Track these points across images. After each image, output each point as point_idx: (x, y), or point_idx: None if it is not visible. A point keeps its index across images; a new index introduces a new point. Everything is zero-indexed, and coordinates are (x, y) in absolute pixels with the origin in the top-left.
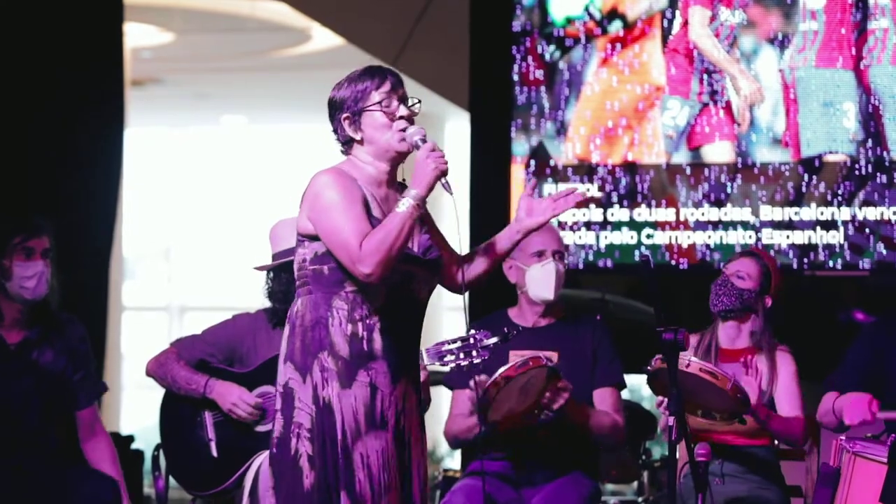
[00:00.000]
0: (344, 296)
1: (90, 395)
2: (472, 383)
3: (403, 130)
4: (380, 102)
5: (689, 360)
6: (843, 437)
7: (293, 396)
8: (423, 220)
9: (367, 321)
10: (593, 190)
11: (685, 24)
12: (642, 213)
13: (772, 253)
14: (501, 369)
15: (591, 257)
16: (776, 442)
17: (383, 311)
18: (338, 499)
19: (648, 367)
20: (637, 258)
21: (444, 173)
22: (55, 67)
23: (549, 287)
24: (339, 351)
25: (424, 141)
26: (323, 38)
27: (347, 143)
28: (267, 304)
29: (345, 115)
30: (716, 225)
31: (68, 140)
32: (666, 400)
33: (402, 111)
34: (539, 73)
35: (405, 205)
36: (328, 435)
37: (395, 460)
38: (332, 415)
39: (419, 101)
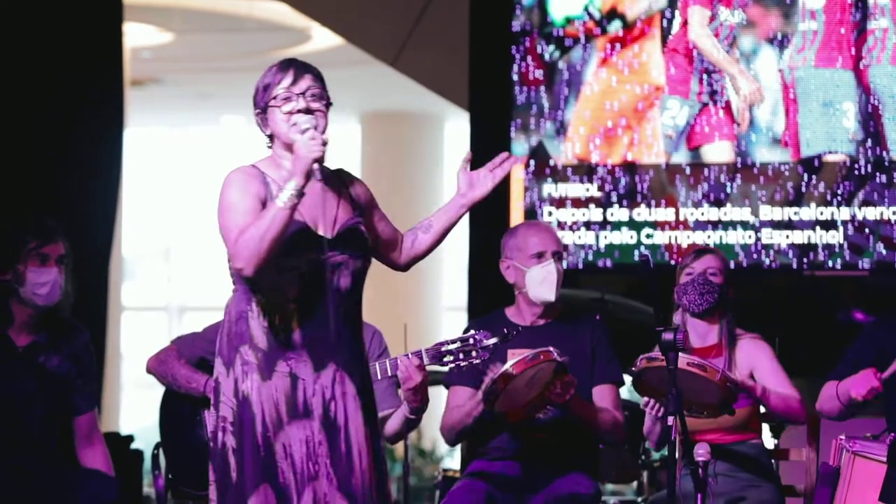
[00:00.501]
0: (262, 289)
1: (89, 402)
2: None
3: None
4: (277, 97)
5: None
6: (843, 437)
7: (219, 391)
8: (362, 207)
9: (284, 312)
10: (592, 190)
11: (685, 23)
12: (642, 213)
13: (771, 253)
14: (511, 362)
15: (590, 257)
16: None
17: (299, 300)
18: (261, 491)
19: (633, 368)
20: (636, 258)
21: (317, 160)
22: (55, 67)
23: (549, 288)
24: (258, 343)
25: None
26: (322, 37)
27: (270, 138)
28: None
29: (256, 112)
30: (715, 225)
31: (68, 140)
32: (651, 400)
33: (299, 104)
34: (539, 73)
35: (283, 196)
36: (248, 428)
37: (325, 448)
38: (251, 408)
39: (319, 97)
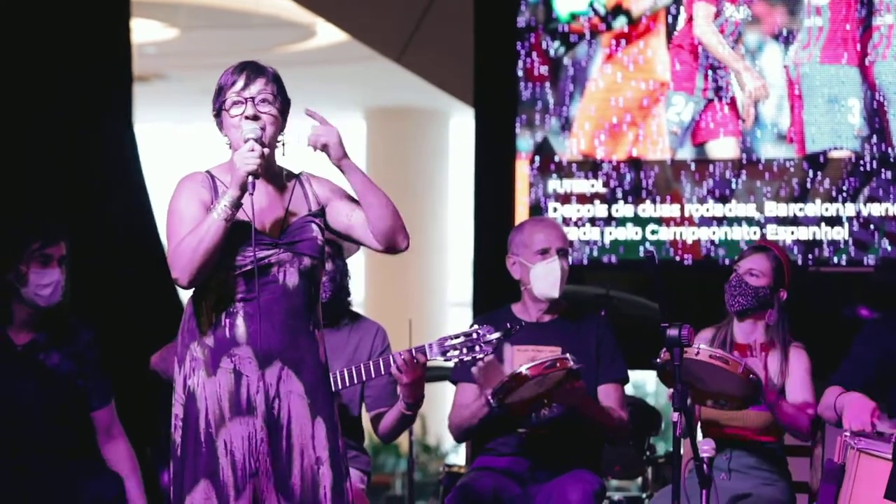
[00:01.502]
0: (211, 287)
1: (102, 397)
2: (474, 370)
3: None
4: (227, 101)
5: (699, 348)
6: (848, 434)
7: (174, 388)
8: (322, 205)
9: (230, 309)
10: (597, 186)
11: (690, 20)
12: (647, 210)
13: None
14: (528, 365)
15: (595, 253)
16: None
17: (246, 298)
18: (201, 486)
19: (658, 359)
20: (642, 254)
21: (251, 173)
22: (62, 65)
23: (553, 284)
24: (205, 340)
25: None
26: (327, 33)
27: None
28: None
29: (213, 114)
30: (720, 221)
31: (79, 138)
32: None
33: (247, 110)
34: (543, 69)
35: (218, 208)
36: (192, 424)
37: (266, 446)
38: (196, 403)
39: (271, 101)
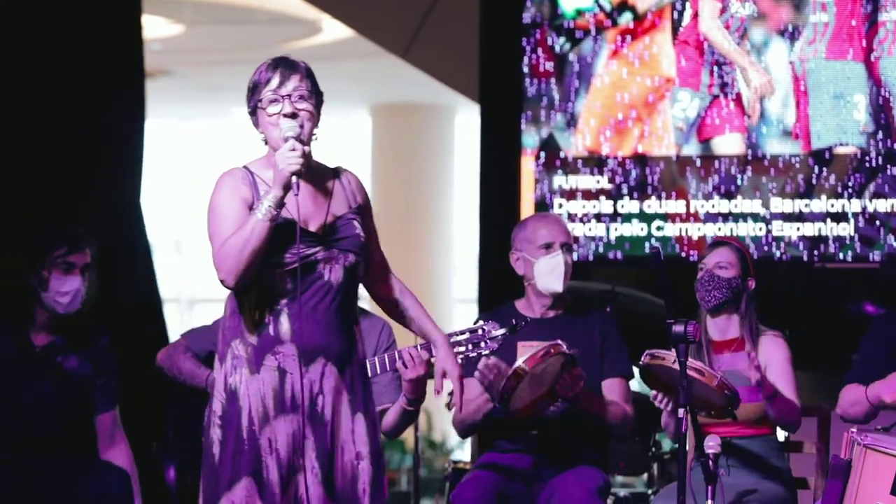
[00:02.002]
0: (253, 284)
1: (109, 401)
2: (480, 365)
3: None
4: (264, 99)
5: (674, 359)
6: (855, 430)
7: (214, 385)
8: (360, 204)
9: (275, 306)
10: (603, 182)
11: (695, 15)
12: (652, 206)
13: (782, 245)
14: (523, 358)
15: (601, 249)
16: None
17: (290, 295)
18: (242, 484)
19: (640, 363)
20: (647, 250)
21: (294, 173)
22: (69, 63)
23: (557, 279)
24: (248, 338)
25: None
26: (333, 29)
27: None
28: None
29: (248, 111)
30: (726, 217)
31: (89, 134)
32: (659, 394)
33: (284, 108)
34: (549, 65)
35: (261, 209)
36: (233, 422)
37: (312, 442)
38: (237, 402)
39: (306, 97)
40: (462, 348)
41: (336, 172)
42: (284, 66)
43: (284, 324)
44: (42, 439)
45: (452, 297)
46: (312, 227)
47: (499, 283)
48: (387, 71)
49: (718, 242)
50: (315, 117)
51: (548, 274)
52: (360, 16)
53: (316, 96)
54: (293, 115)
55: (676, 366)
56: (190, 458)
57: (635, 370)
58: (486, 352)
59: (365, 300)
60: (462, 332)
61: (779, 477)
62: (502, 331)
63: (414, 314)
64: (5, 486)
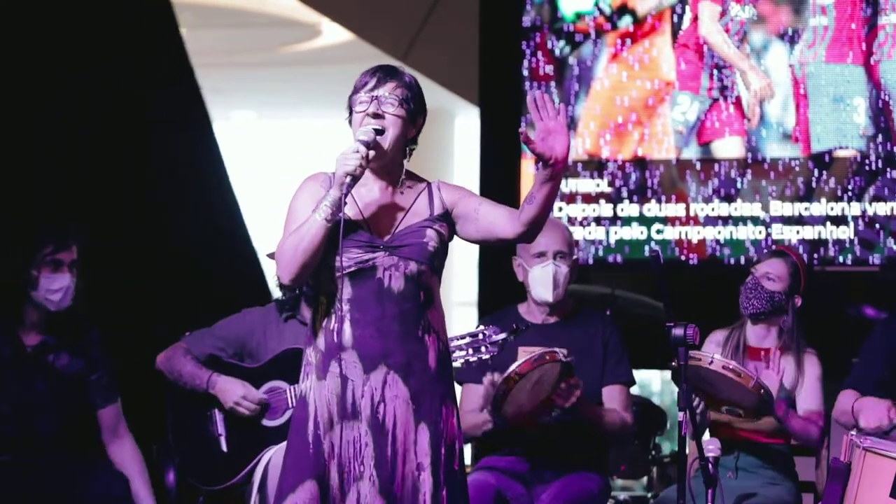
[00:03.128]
0: (323, 291)
1: (108, 395)
2: (485, 380)
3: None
4: (356, 100)
5: (713, 358)
6: (854, 433)
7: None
8: (448, 212)
9: (339, 313)
10: (603, 185)
11: (695, 19)
12: (652, 209)
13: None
14: (517, 363)
15: (600, 253)
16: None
17: (352, 301)
18: (305, 487)
19: (672, 363)
20: (647, 254)
21: (349, 174)
22: (113, 64)
23: (546, 288)
24: (318, 345)
25: (364, 143)
26: (333, 33)
27: None
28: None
29: (346, 118)
30: (726, 220)
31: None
32: (695, 397)
33: (370, 108)
34: (549, 69)
35: (319, 209)
36: (300, 426)
37: (372, 450)
38: (306, 407)
39: (398, 103)
40: (462, 353)
41: (430, 185)
42: (384, 71)
43: (347, 331)
44: (40, 439)
45: (452, 300)
46: (381, 234)
47: (498, 287)
48: None
49: (776, 252)
50: (405, 126)
51: (539, 283)
52: (360, 19)
53: (413, 107)
54: (376, 116)
55: (713, 367)
56: (190, 460)
57: (644, 375)
58: (487, 356)
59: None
60: (463, 337)
61: (786, 482)
62: (503, 335)
63: (529, 195)
64: (5, 487)
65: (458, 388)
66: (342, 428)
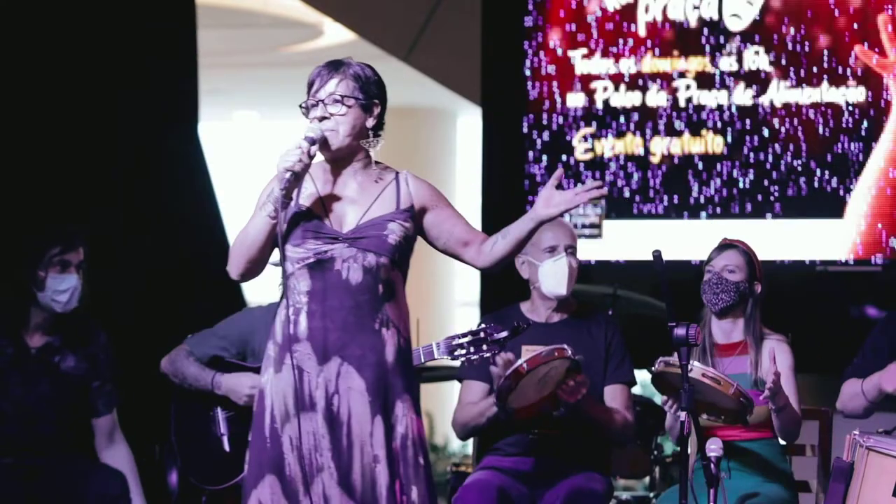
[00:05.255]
0: (285, 284)
1: (108, 404)
2: (498, 360)
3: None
4: (306, 104)
5: (693, 365)
6: (857, 432)
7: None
8: (413, 207)
9: (296, 305)
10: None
11: None
12: (654, 208)
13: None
14: (526, 357)
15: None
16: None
17: (310, 293)
18: (266, 482)
19: (653, 369)
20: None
21: (289, 171)
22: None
23: (561, 282)
24: (276, 337)
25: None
26: (335, 33)
27: None
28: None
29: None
30: (728, 219)
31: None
32: (670, 399)
33: (318, 112)
34: (551, 69)
35: (265, 206)
36: (259, 420)
37: (329, 441)
38: (264, 400)
39: (341, 101)
40: (464, 350)
41: (397, 176)
42: (326, 69)
43: (302, 322)
44: (41, 440)
45: (454, 300)
46: (344, 226)
47: (500, 287)
48: (389, 74)
49: (726, 245)
50: (356, 119)
51: (552, 277)
52: (362, 19)
53: (365, 98)
54: (323, 119)
55: (693, 374)
56: (192, 461)
57: (646, 375)
58: (488, 355)
59: None
60: (464, 335)
61: (781, 480)
62: (505, 333)
63: (499, 236)
64: (6, 487)
65: (458, 387)
66: (300, 420)
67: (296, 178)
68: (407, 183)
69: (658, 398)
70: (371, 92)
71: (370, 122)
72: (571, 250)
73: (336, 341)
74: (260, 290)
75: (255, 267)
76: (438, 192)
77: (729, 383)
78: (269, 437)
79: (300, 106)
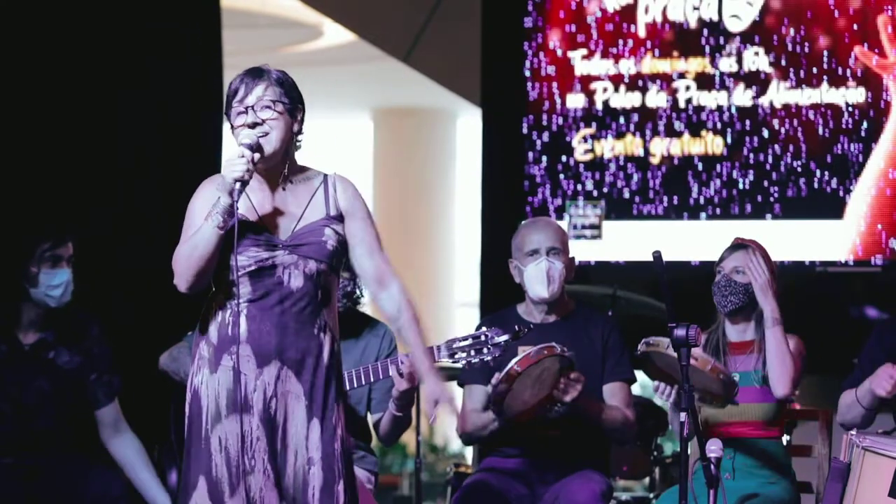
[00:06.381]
0: (220, 286)
1: (108, 393)
2: (493, 380)
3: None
4: (232, 112)
5: (669, 344)
6: (854, 432)
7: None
8: (339, 216)
9: (235, 308)
10: (605, 185)
11: None
12: (654, 209)
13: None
14: (515, 359)
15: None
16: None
17: (250, 298)
18: (199, 483)
19: (637, 352)
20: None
21: (238, 180)
22: (148, 59)
23: (542, 285)
24: (210, 338)
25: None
26: (334, 34)
27: None
28: None
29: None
30: (728, 220)
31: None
32: (661, 384)
33: (247, 119)
34: (551, 69)
35: (211, 216)
36: (196, 421)
37: (265, 444)
38: (200, 401)
39: (271, 106)
40: (464, 354)
41: (325, 179)
42: (250, 76)
43: (242, 325)
44: (40, 437)
45: (454, 300)
46: (280, 232)
47: (500, 287)
48: (388, 75)
49: (737, 246)
50: (288, 123)
51: (533, 280)
52: (362, 20)
53: (289, 103)
54: (255, 125)
55: (670, 351)
56: None
57: (646, 375)
58: (489, 358)
59: (365, 305)
60: (465, 339)
61: (784, 481)
62: (505, 337)
63: (408, 337)
64: (5, 487)
65: (459, 388)
66: (231, 421)
67: (242, 187)
68: (335, 189)
69: (659, 398)
70: (294, 97)
71: (296, 127)
72: (555, 251)
73: (276, 345)
74: None
75: (203, 279)
76: (360, 202)
77: (706, 360)
78: (203, 438)
79: (224, 114)
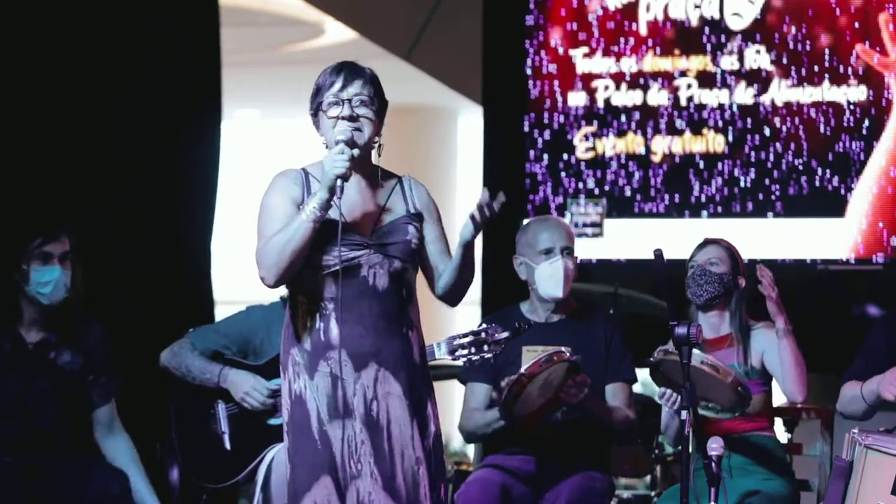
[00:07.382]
0: (304, 290)
1: (105, 395)
2: (502, 384)
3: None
4: (325, 102)
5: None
6: (856, 431)
7: (281, 394)
8: (418, 210)
9: (323, 312)
10: (606, 184)
11: None
12: (655, 207)
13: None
14: (526, 365)
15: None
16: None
17: (336, 300)
18: (321, 483)
19: (650, 359)
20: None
21: (340, 176)
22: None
23: (557, 284)
24: (304, 344)
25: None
26: (336, 31)
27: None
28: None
29: (310, 113)
30: (729, 218)
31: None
32: (668, 391)
33: (343, 111)
34: (552, 67)
35: (307, 210)
36: (302, 424)
37: (370, 447)
38: (305, 405)
39: (368, 103)
40: (465, 351)
41: (400, 179)
42: (349, 70)
43: (333, 329)
44: (40, 437)
45: None
46: (363, 232)
47: (502, 286)
48: (389, 73)
49: (708, 241)
50: (376, 124)
51: (548, 279)
52: (363, 18)
53: (379, 103)
54: (351, 119)
55: (691, 361)
56: (193, 458)
57: (647, 374)
58: (490, 355)
59: None
60: (465, 335)
61: (781, 475)
62: (506, 334)
63: (450, 264)
64: (5, 487)
65: (459, 385)
66: (334, 427)
67: (343, 182)
68: (411, 188)
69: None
70: (383, 98)
71: (379, 130)
72: (568, 251)
73: (371, 347)
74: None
75: (291, 273)
76: (434, 204)
77: (727, 371)
78: (319, 439)
79: (319, 103)
